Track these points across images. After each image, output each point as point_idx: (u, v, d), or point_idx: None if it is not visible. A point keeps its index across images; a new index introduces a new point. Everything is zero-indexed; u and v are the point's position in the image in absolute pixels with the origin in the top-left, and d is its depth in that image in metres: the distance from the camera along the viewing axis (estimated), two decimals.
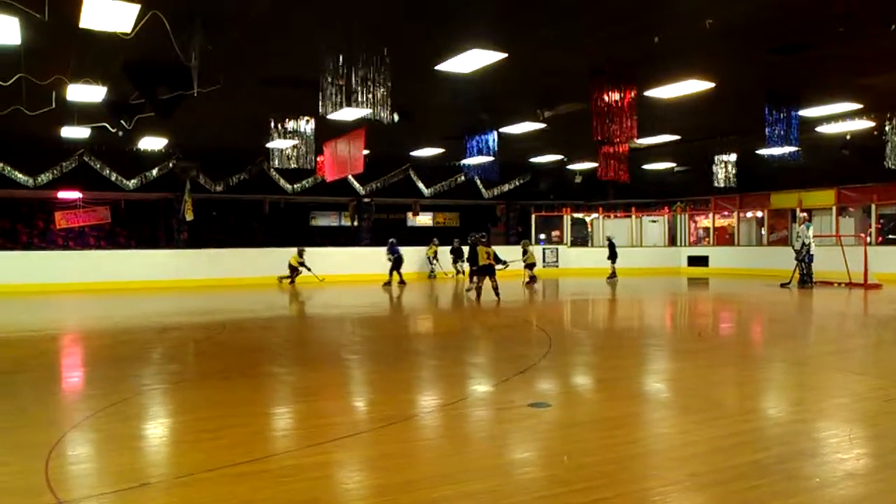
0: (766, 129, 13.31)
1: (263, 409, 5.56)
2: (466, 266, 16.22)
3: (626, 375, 6.78)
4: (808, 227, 17.17)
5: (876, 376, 6.55)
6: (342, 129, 14.89)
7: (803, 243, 16.92)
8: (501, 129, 15.89)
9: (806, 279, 16.95)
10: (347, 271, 20.68)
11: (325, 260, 20.15)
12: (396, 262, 19.14)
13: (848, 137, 16.35)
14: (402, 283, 19.19)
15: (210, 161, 20.66)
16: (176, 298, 15.54)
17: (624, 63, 10.68)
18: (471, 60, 10.22)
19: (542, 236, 26.23)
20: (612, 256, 20.26)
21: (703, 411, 5.21)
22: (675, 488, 3.65)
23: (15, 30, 8.12)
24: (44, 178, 19.11)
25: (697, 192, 25.04)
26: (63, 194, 21.68)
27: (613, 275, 20.19)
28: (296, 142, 14.33)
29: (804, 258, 16.93)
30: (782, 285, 17.13)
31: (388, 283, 19.05)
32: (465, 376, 6.85)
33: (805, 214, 18.71)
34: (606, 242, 20.88)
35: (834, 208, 21.53)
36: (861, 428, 4.79)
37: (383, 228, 25.40)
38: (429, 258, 21.77)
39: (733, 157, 18.61)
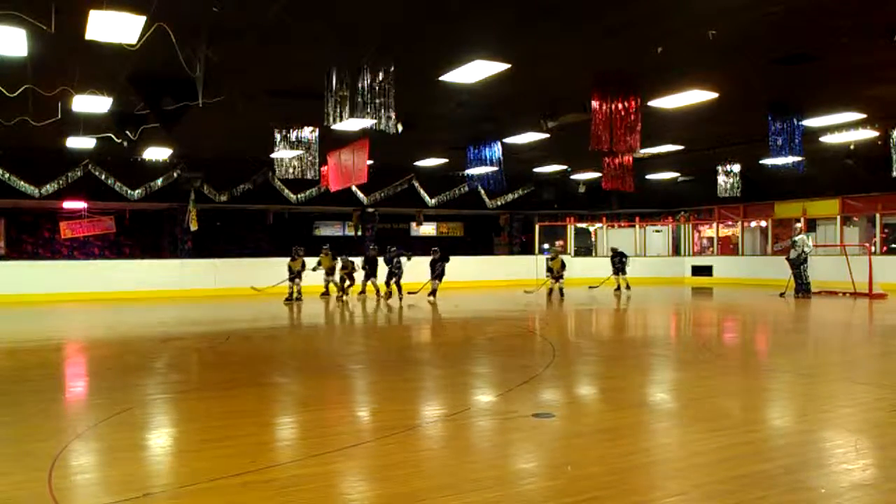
0: (770, 139, 13.31)
1: (267, 419, 5.56)
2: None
3: (631, 385, 6.77)
4: (808, 236, 17.12)
5: (882, 386, 6.53)
6: (346, 140, 14.93)
7: (803, 251, 16.85)
8: (505, 140, 15.92)
9: (807, 287, 16.88)
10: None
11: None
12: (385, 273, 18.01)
13: (851, 147, 16.34)
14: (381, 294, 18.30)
15: (214, 171, 20.71)
16: (180, 308, 15.55)
17: (627, 73, 10.70)
18: (475, 71, 10.26)
19: (546, 246, 26.22)
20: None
21: (707, 421, 5.19)
22: (680, 499, 3.63)
23: (22, 41, 8.18)
24: (49, 188, 19.15)
25: (701, 201, 25.01)
26: (68, 204, 21.74)
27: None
28: (300, 152, 14.37)
29: (801, 265, 16.85)
30: (796, 294, 17.04)
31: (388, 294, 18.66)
32: (469, 386, 6.84)
33: (801, 224, 18.52)
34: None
35: (838, 218, 21.49)
36: (867, 438, 4.77)
37: (387, 238, 25.40)
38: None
39: (737, 167, 18.59)
